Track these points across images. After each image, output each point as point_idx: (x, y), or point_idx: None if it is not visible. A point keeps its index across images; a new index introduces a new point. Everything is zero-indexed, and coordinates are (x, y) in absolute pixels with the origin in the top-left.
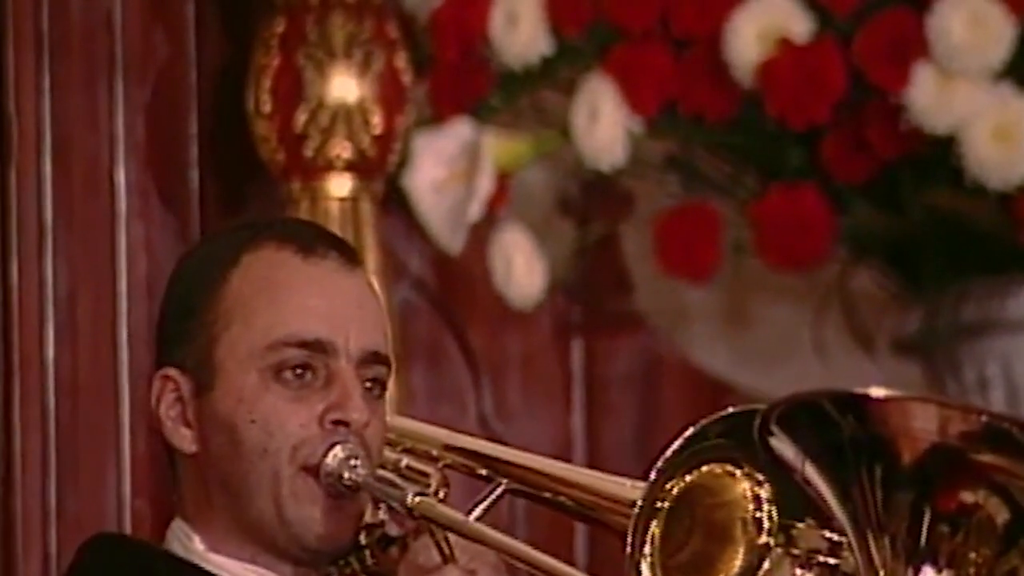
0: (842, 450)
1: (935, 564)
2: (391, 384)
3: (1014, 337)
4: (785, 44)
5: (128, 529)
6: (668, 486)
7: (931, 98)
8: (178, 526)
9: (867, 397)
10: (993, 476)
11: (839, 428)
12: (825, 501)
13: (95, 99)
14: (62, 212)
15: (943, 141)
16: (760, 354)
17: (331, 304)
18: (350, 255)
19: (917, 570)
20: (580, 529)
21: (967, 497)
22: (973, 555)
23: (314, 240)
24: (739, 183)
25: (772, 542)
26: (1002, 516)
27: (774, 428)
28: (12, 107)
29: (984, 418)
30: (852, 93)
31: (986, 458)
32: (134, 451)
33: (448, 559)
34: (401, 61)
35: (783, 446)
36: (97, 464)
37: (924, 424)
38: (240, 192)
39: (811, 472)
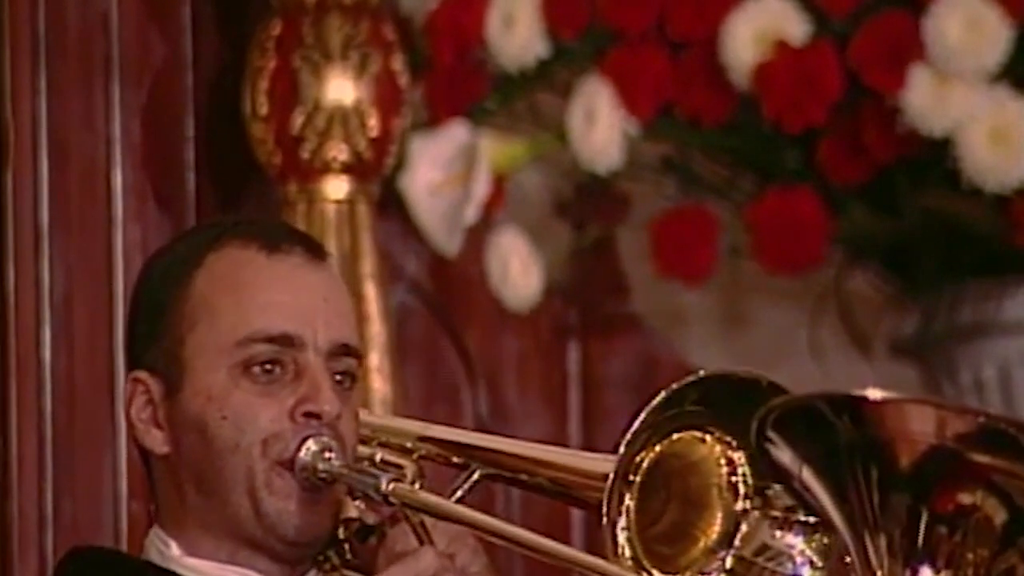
0: (838, 452)
1: (933, 565)
2: (387, 386)
3: (1010, 339)
4: (781, 46)
5: (124, 532)
6: (639, 458)
7: (927, 100)
8: (155, 534)
9: (863, 399)
10: (990, 477)
11: (835, 430)
12: (822, 503)
13: (91, 101)
14: (58, 215)
15: (939, 143)
16: (756, 356)
17: (297, 298)
18: (316, 250)
19: (915, 571)
20: (576, 517)
21: (964, 498)
22: (971, 555)
23: (278, 237)
24: (735, 185)
25: (748, 506)
26: (1000, 516)
27: (770, 432)
28: (8, 109)
29: (981, 419)
30: (848, 95)
31: (983, 459)
32: (130, 454)
33: (426, 543)
34: (397, 63)
35: (779, 450)
36: (93, 467)
37: (921, 426)
38: (236, 194)
39: (808, 475)
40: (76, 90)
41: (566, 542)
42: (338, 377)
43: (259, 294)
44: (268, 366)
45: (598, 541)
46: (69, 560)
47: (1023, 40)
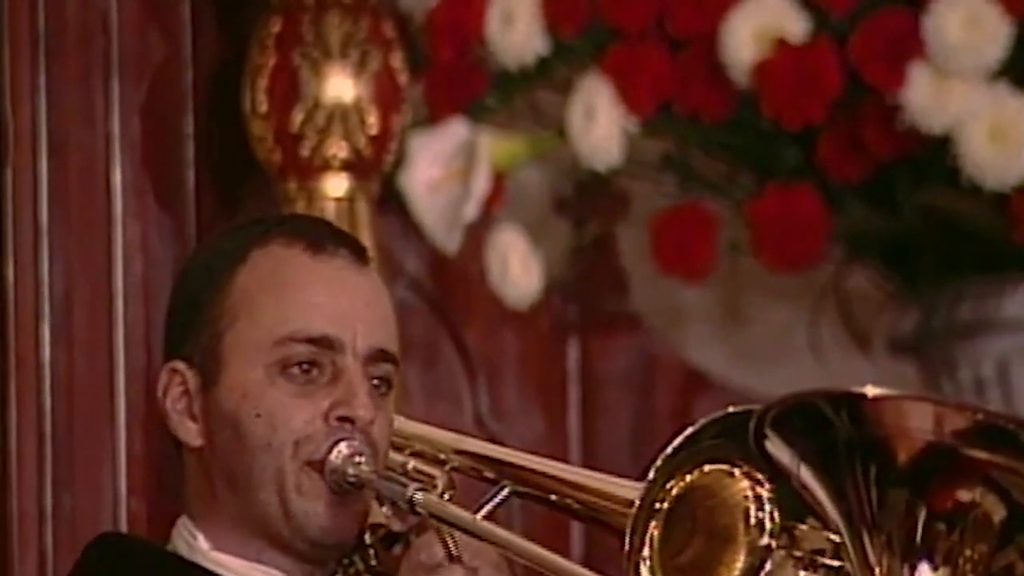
0: (837, 449)
1: (931, 562)
2: None
3: (1010, 337)
4: (781, 44)
5: (124, 528)
6: (667, 486)
7: (927, 98)
8: (183, 524)
9: (862, 396)
10: (989, 473)
11: (834, 428)
12: (820, 501)
13: (91, 99)
14: (58, 212)
15: (939, 141)
16: (756, 354)
17: (339, 301)
18: (359, 253)
19: (913, 568)
20: (576, 528)
21: (963, 495)
22: (969, 552)
23: (323, 238)
24: (735, 183)
25: (774, 543)
26: (998, 513)
27: (768, 430)
28: (8, 106)
29: (979, 415)
30: (848, 93)
31: (982, 455)
32: (130, 450)
33: (452, 556)
34: (397, 61)
35: (778, 448)
36: (93, 463)
37: (919, 423)
38: (236, 192)
39: (806, 473)
40: (76, 87)
41: (565, 552)
42: (375, 382)
43: (301, 294)
44: (305, 367)
45: (597, 551)
46: (95, 547)
47: (1023, 37)
